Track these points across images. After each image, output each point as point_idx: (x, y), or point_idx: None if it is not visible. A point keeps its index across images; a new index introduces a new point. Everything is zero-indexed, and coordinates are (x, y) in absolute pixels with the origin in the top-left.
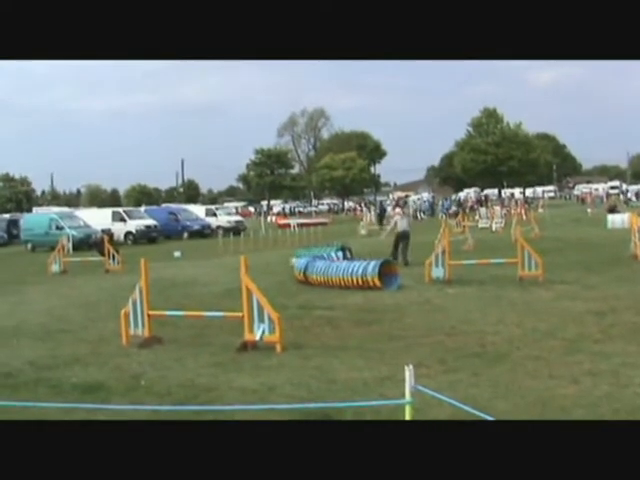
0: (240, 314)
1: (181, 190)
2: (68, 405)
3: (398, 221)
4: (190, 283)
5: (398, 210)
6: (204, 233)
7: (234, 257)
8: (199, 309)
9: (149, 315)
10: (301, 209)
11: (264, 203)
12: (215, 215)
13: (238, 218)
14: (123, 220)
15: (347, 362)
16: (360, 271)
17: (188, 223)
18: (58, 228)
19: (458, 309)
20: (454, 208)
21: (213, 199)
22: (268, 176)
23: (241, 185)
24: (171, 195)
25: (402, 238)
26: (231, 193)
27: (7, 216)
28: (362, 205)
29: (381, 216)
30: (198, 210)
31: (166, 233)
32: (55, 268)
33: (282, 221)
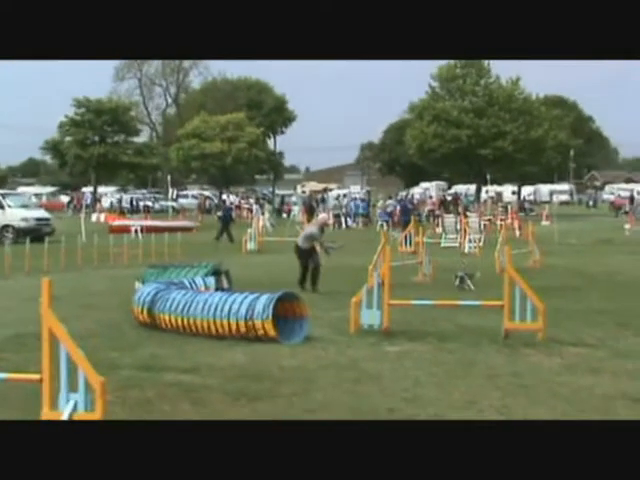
0: (37, 376)
1: None
2: None
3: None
4: None
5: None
6: None
7: (32, 279)
8: None
9: None
10: (150, 203)
11: (87, 191)
12: (2, 207)
13: (42, 213)
14: None
15: None
16: (243, 311)
17: None
18: None
19: (402, 379)
20: (397, 208)
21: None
22: (95, 145)
23: (49, 158)
24: None
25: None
26: (31, 171)
27: None
28: (254, 201)
29: (226, 221)
30: None
31: None
32: None
33: (117, 222)
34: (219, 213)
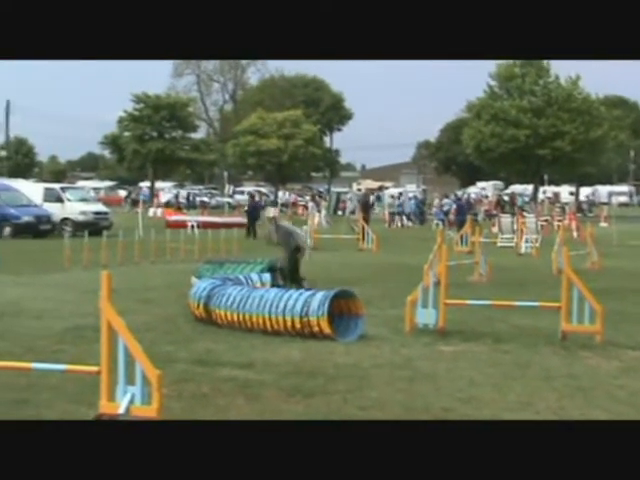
0: (95, 368)
1: (3, 154)
2: None
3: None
4: (10, 313)
5: (274, 211)
6: (40, 229)
7: (90, 272)
8: (23, 358)
9: None
10: (206, 199)
11: (144, 186)
12: (61, 200)
13: (100, 207)
14: None
15: None
16: (299, 307)
17: (12, 211)
18: None
19: (457, 380)
20: (454, 207)
21: (59, 173)
22: (153, 141)
23: (107, 153)
24: None
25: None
26: (90, 165)
27: None
28: (309, 198)
29: (253, 217)
30: (32, 190)
31: None
32: None
33: (174, 217)
34: (246, 208)
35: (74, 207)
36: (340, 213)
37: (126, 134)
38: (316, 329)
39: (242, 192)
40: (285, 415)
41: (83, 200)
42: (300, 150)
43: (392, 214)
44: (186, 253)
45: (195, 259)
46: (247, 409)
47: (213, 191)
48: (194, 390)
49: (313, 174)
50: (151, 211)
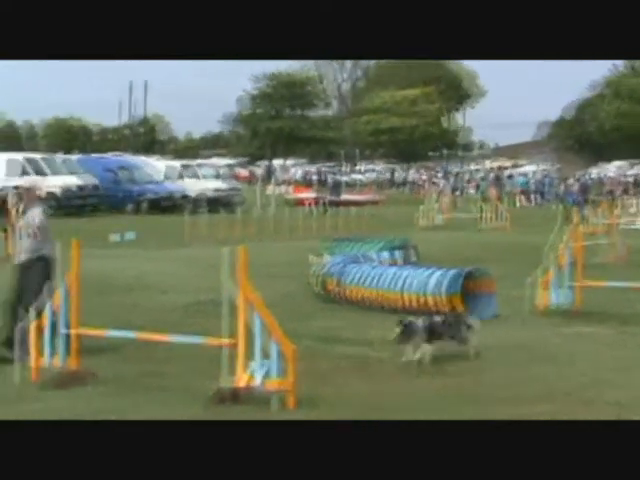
0: (230, 341)
1: (141, 130)
2: None
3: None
4: (139, 287)
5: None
6: (168, 205)
7: (216, 248)
8: (154, 330)
9: (76, 335)
10: (335, 176)
11: (273, 163)
12: (191, 177)
13: (232, 184)
14: (40, 174)
15: None
16: (432, 285)
17: (139, 188)
18: None
19: (584, 363)
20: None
21: (187, 150)
22: (278, 119)
23: (232, 131)
24: (114, 139)
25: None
26: (214, 142)
27: None
28: (442, 176)
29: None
30: (160, 167)
31: (101, 200)
32: None
33: (303, 194)
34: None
35: (205, 184)
36: (472, 192)
37: (258, 111)
38: (447, 308)
39: (372, 170)
40: (403, 396)
41: (215, 177)
42: (428, 128)
43: (524, 193)
44: (317, 230)
45: (325, 235)
46: (364, 389)
47: (343, 169)
48: (313, 367)
49: (444, 152)
50: (282, 188)
